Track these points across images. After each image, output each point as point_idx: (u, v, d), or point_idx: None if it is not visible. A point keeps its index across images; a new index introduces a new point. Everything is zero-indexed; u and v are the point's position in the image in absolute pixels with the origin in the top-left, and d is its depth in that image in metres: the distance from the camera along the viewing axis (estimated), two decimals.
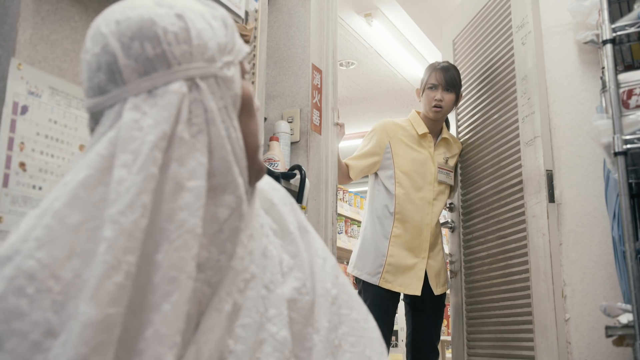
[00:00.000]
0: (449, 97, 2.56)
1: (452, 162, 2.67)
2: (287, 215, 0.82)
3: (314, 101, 2.29)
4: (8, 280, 0.59)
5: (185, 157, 0.63)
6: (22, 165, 1.11)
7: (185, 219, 0.61)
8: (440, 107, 2.55)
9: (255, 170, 0.75)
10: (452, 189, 2.72)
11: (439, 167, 2.58)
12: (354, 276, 2.57)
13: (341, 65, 4.87)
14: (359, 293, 2.56)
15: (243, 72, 0.75)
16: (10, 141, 1.09)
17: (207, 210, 0.66)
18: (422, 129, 2.58)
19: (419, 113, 2.66)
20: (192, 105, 0.66)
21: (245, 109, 0.73)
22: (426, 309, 2.53)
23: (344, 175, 2.57)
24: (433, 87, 2.56)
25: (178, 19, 0.66)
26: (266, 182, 0.85)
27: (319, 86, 2.34)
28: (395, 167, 2.54)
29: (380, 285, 2.44)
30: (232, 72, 0.70)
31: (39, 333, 0.58)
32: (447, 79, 2.56)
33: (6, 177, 1.08)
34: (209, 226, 0.66)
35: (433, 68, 2.61)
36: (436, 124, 2.63)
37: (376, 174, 2.63)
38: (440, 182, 2.58)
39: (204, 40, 0.67)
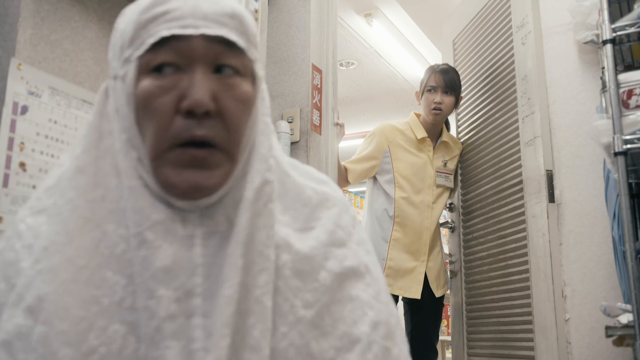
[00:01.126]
0: (448, 99, 2.54)
1: (451, 165, 2.66)
2: (326, 261, 0.71)
3: (314, 101, 2.30)
4: (7, 238, 0.72)
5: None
6: (22, 165, 1.11)
7: None
8: (440, 109, 2.53)
9: (163, 184, 0.66)
10: (452, 190, 2.72)
11: (437, 171, 2.58)
12: None
13: (341, 65, 4.87)
14: None
15: (146, 66, 0.66)
16: (10, 141, 1.09)
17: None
18: (421, 133, 2.57)
19: (418, 115, 2.64)
20: (107, 105, 0.72)
21: (140, 109, 0.66)
22: (425, 309, 2.53)
23: (343, 178, 2.56)
24: (432, 90, 2.55)
25: (119, 20, 0.71)
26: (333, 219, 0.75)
27: (319, 86, 2.34)
28: (395, 171, 2.53)
29: None
30: (125, 70, 0.67)
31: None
32: (447, 81, 2.54)
33: (6, 177, 1.08)
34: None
35: (432, 70, 2.60)
36: (435, 127, 2.61)
37: (375, 178, 2.62)
38: (439, 186, 2.58)
39: (115, 39, 0.70)
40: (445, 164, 2.62)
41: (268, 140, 0.71)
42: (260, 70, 0.71)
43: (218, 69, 0.66)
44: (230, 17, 0.67)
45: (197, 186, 0.65)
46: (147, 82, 0.66)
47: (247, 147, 0.69)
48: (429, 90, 2.55)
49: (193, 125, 0.64)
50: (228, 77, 0.67)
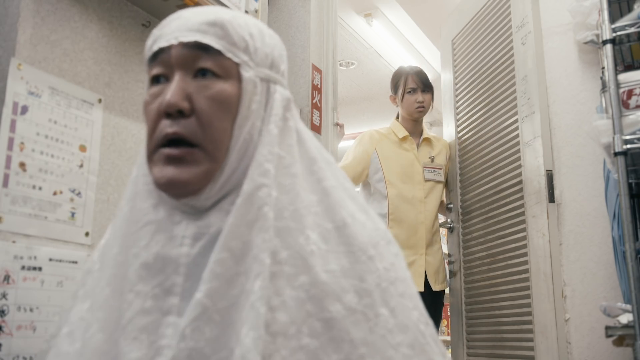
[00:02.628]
0: (427, 97, 2.73)
1: (439, 160, 2.77)
2: (345, 294, 0.67)
3: (314, 101, 2.29)
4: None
5: None
6: (22, 165, 1.11)
7: None
8: (423, 107, 2.71)
9: (153, 182, 0.73)
10: (446, 187, 2.82)
11: (424, 167, 2.69)
12: None
13: (341, 65, 4.87)
14: None
15: (150, 80, 0.75)
16: (10, 141, 1.09)
17: None
18: (402, 132, 2.72)
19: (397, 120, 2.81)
20: None
21: (143, 116, 0.77)
22: (425, 308, 2.55)
23: None
24: (412, 91, 2.72)
25: None
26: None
27: (319, 86, 2.34)
28: (384, 170, 2.63)
29: None
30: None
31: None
32: (424, 81, 2.73)
33: (6, 177, 1.08)
34: None
35: (407, 73, 2.76)
36: (416, 126, 2.77)
37: (367, 185, 2.71)
38: (428, 180, 2.67)
39: None
40: (432, 160, 2.74)
41: (269, 148, 0.71)
42: (247, 72, 0.73)
43: (198, 73, 0.71)
44: (210, 25, 0.71)
45: (171, 181, 0.69)
46: (146, 93, 0.74)
47: (237, 150, 0.70)
48: (409, 92, 2.73)
49: (167, 125, 0.69)
50: (205, 79, 0.71)
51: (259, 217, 0.66)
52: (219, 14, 0.73)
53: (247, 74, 0.72)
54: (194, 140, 0.69)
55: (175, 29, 0.72)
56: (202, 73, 0.71)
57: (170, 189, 0.69)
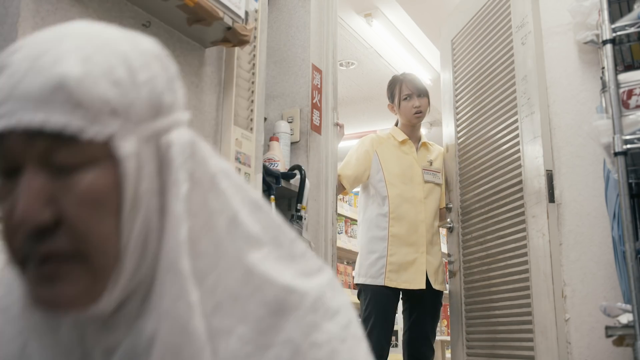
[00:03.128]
0: (423, 101, 2.76)
1: (437, 164, 2.84)
2: None
3: (314, 101, 2.30)
4: None
5: None
6: None
7: None
8: (421, 112, 2.75)
9: None
10: (445, 189, 2.86)
11: (424, 169, 2.74)
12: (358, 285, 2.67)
13: (341, 65, 4.87)
14: (359, 294, 2.62)
15: None
16: None
17: None
18: (402, 136, 2.77)
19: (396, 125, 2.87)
20: None
21: None
22: (425, 305, 2.61)
23: (338, 185, 2.63)
24: (408, 98, 2.76)
25: None
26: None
27: (319, 86, 2.34)
28: (384, 171, 2.67)
29: (385, 285, 2.52)
30: None
31: None
32: (419, 86, 2.77)
33: None
34: None
35: (400, 81, 2.80)
36: (414, 131, 2.82)
37: (366, 187, 2.75)
38: (427, 182, 2.72)
39: None
40: (431, 163, 2.80)
41: (175, 238, 0.53)
42: (124, 145, 0.51)
43: (55, 168, 0.51)
44: (54, 90, 0.48)
45: (51, 304, 0.51)
46: None
47: (131, 250, 0.53)
48: (405, 99, 2.76)
49: (29, 244, 0.50)
50: (67, 174, 0.50)
51: (186, 341, 0.52)
52: (65, 64, 0.49)
53: (124, 148, 0.51)
54: (69, 255, 0.51)
55: (10, 96, 0.49)
56: (61, 168, 0.50)
57: (51, 310, 0.52)
